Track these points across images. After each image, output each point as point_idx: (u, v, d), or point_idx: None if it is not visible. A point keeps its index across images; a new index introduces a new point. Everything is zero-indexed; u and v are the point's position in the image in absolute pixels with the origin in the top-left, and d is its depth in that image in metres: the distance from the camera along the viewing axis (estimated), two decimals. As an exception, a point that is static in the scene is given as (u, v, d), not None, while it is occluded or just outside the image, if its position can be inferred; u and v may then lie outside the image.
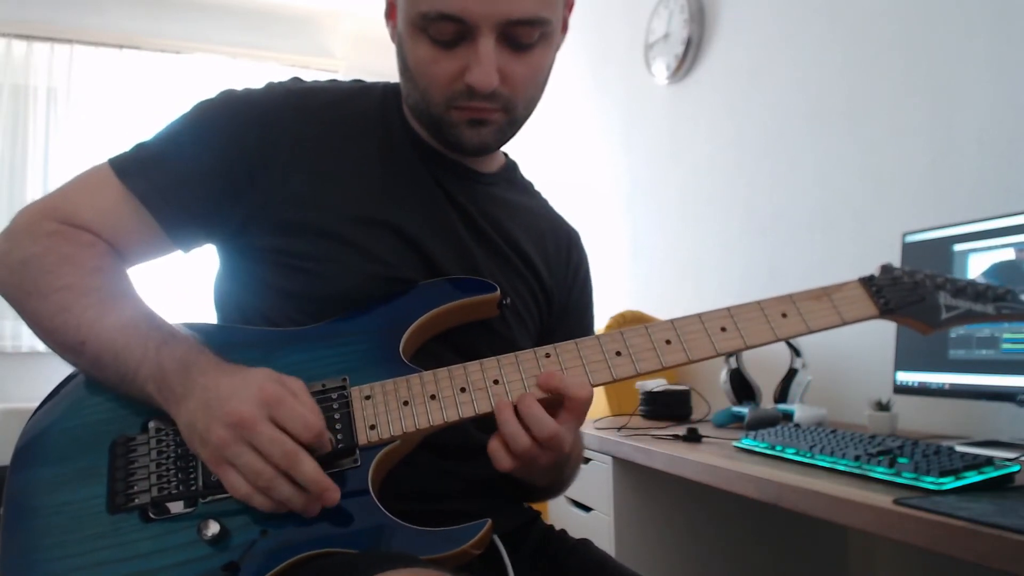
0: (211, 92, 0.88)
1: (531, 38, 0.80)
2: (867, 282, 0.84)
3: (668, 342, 0.79)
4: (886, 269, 0.86)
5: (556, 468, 0.86)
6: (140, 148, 0.85)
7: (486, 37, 0.77)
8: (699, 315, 0.81)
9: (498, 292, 0.85)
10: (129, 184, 0.83)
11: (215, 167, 0.83)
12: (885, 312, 0.83)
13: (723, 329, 0.80)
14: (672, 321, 0.80)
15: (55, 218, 0.82)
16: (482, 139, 0.84)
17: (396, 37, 0.86)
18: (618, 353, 0.79)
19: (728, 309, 0.81)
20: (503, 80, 0.80)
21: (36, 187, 3.59)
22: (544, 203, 1.03)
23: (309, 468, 0.68)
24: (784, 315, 0.81)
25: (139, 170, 0.83)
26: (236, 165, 0.83)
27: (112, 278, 0.80)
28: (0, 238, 0.83)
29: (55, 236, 0.80)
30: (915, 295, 0.84)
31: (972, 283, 0.86)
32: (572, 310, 1.00)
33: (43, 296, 0.77)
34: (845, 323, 0.82)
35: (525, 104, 0.85)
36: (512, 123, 0.85)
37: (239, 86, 0.89)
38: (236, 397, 0.68)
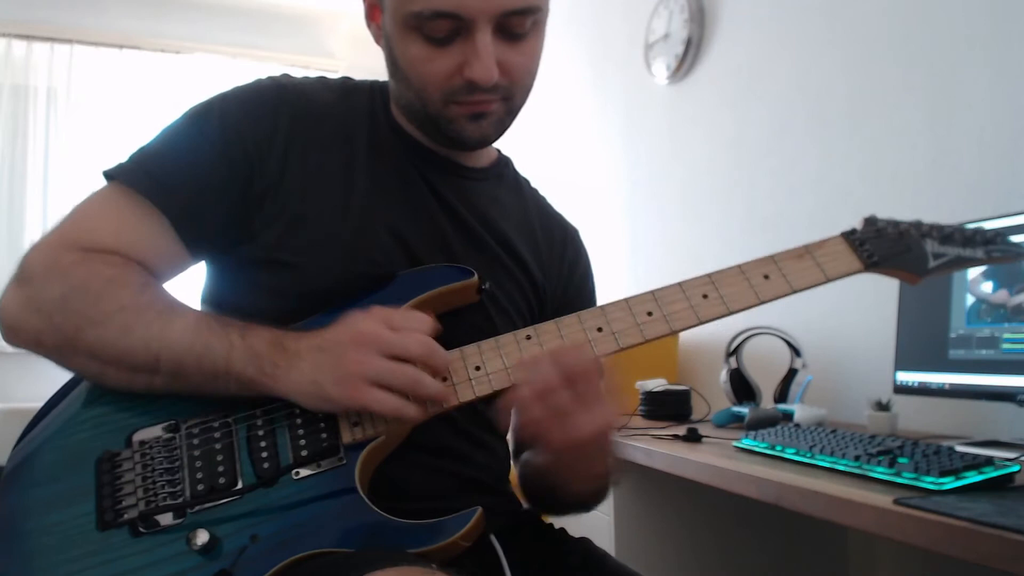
0: (206, 94, 0.86)
1: (524, 27, 0.81)
2: (849, 236, 0.82)
3: (650, 314, 0.78)
4: (869, 221, 0.84)
5: (595, 474, 0.83)
6: (144, 159, 0.82)
7: (483, 31, 0.77)
8: (680, 284, 0.80)
9: (476, 277, 0.84)
10: (153, 200, 0.80)
11: (226, 173, 0.81)
12: (870, 266, 0.81)
13: (705, 296, 0.79)
14: (653, 292, 0.79)
15: (75, 248, 0.78)
16: (483, 132, 0.85)
17: (383, 39, 0.85)
18: (599, 329, 0.78)
19: (709, 275, 0.79)
20: (501, 71, 0.80)
21: (36, 187, 3.59)
22: (539, 199, 1.03)
23: (440, 349, 0.73)
24: (766, 277, 0.79)
25: (158, 188, 0.80)
26: (240, 166, 0.82)
27: (160, 291, 0.79)
28: (14, 287, 0.78)
29: (86, 264, 0.77)
30: (900, 245, 0.82)
31: (960, 229, 0.84)
32: (569, 307, 0.99)
33: (101, 324, 0.74)
34: (829, 280, 0.80)
35: (522, 92, 0.86)
36: (510, 112, 0.86)
37: (228, 87, 0.87)
38: (349, 327, 0.72)
